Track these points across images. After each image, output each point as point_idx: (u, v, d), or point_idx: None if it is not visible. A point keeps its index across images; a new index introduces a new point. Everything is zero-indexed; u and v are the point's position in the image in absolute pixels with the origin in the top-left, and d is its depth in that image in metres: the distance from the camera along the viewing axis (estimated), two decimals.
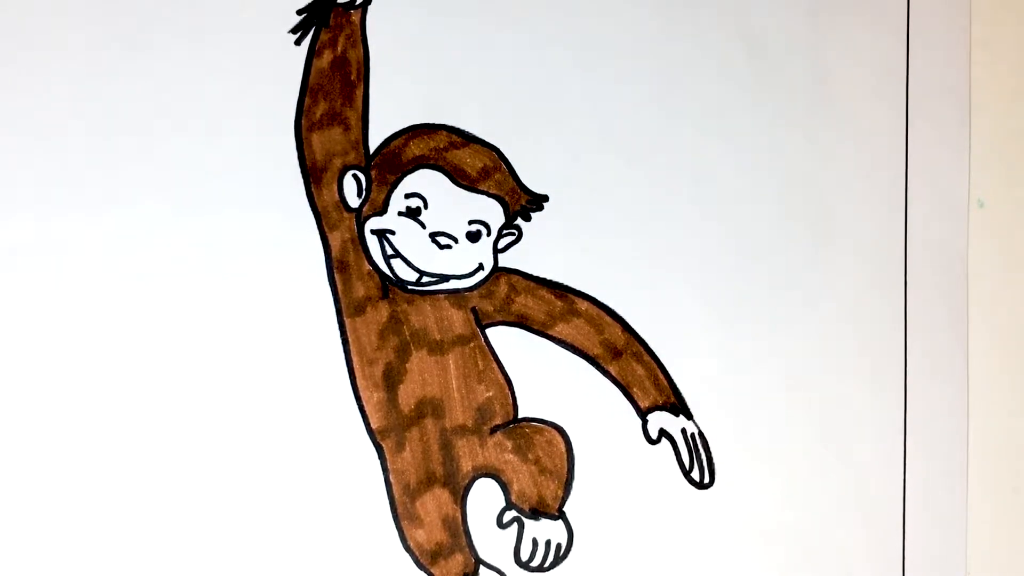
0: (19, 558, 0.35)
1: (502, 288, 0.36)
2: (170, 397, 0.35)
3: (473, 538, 0.36)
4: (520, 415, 0.36)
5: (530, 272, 0.37)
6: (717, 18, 0.38)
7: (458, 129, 0.37)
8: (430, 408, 0.36)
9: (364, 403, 0.36)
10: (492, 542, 0.36)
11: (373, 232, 0.36)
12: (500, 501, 0.36)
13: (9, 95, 0.35)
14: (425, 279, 0.36)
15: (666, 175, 0.37)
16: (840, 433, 0.37)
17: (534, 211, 0.37)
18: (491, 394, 0.36)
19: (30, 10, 0.36)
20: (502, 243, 0.36)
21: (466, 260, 0.36)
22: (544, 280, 0.37)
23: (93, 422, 0.35)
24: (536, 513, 0.36)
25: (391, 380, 0.36)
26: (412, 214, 0.36)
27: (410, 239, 0.36)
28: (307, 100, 0.36)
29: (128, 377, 0.35)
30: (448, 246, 0.36)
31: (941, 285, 0.38)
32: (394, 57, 0.37)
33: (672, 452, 0.37)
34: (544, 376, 0.36)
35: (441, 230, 0.36)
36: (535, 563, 0.36)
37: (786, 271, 0.37)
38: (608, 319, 0.37)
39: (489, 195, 0.36)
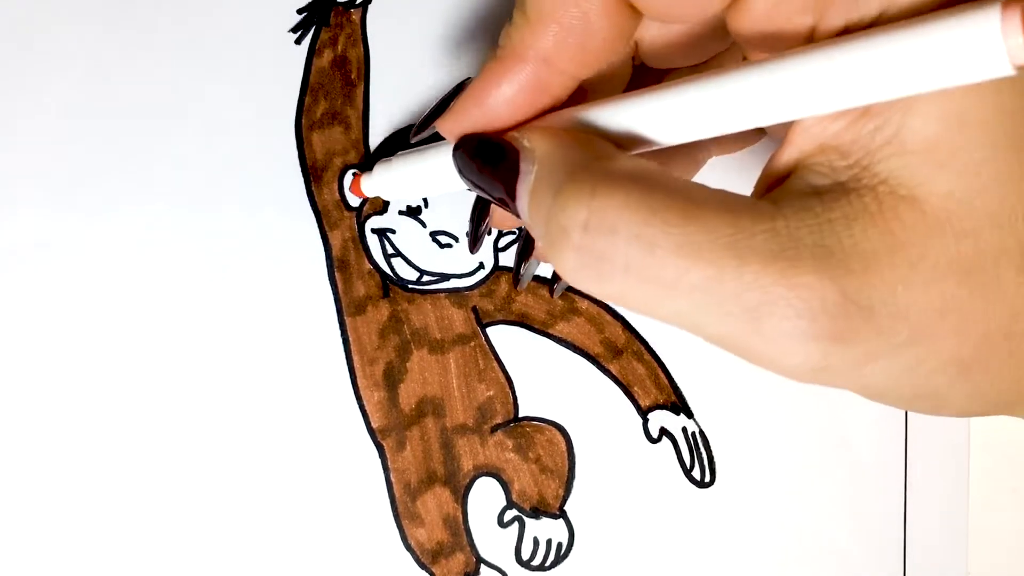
0: (19, 558, 0.34)
1: (503, 287, 0.36)
2: (170, 396, 0.35)
3: (474, 537, 0.36)
4: (521, 414, 0.36)
5: None
6: None
7: None
8: (431, 407, 0.36)
9: (364, 402, 0.36)
10: (493, 541, 0.36)
11: (374, 231, 0.36)
12: (501, 500, 0.36)
13: (9, 95, 0.35)
14: (426, 278, 0.36)
15: None
16: (840, 433, 0.37)
17: None
18: (492, 393, 0.36)
19: (30, 10, 0.36)
20: (503, 242, 0.36)
21: (467, 259, 0.36)
22: (544, 279, 0.37)
23: (90, 422, 0.35)
24: (537, 512, 0.36)
25: (392, 379, 0.36)
26: (413, 213, 0.36)
27: (411, 238, 0.36)
28: (307, 99, 0.36)
29: (127, 377, 0.35)
30: (449, 245, 0.36)
31: None
32: (394, 57, 0.37)
33: (673, 451, 0.37)
34: (545, 375, 0.36)
35: (442, 229, 0.36)
36: (536, 562, 0.36)
37: None
38: (609, 318, 0.37)
39: None
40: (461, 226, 0.36)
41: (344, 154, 0.36)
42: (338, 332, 0.36)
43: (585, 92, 0.27)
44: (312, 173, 0.36)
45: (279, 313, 0.36)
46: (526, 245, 0.34)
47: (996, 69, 0.17)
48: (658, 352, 0.37)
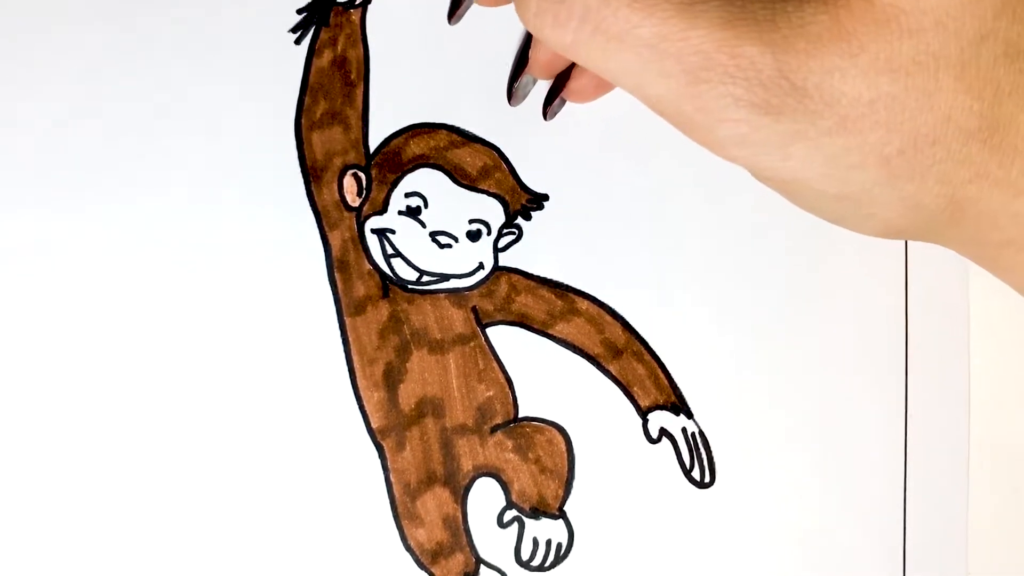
0: (18, 557, 0.34)
1: (502, 287, 0.36)
2: (170, 396, 0.35)
3: (474, 537, 0.36)
4: (521, 414, 0.36)
5: (530, 271, 0.37)
6: None
7: (458, 128, 0.37)
8: (430, 407, 0.36)
9: (364, 402, 0.36)
10: (493, 542, 0.36)
11: (373, 231, 0.36)
12: (501, 500, 0.36)
13: (9, 95, 0.35)
14: (425, 278, 0.36)
15: (667, 173, 0.37)
16: (840, 433, 0.37)
17: (535, 210, 0.37)
18: (491, 393, 0.36)
19: (30, 10, 0.36)
20: (502, 242, 0.36)
21: (466, 259, 0.36)
22: (544, 279, 0.37)
23: (90, 421, 0.35)
24: (537, 512, 0.36)
25: (391, 379, 0.36)
26: (412, 213, 0.36)
27: (410, 238, 0.36)
28: (307, 99, 0.36)
29: (127, 377, 0.35)
30: (448, 245, 0.36)
31: (942, 284, 0.38)
32: (394, 57, 0.37)
33: (673, 451, 0.37)
34: (544, 375, 0.36)
35: (441, 229, 0.36)
36: (536, 563, 0.36)
37: (787, 270, 0.37)
38: (608, 318, 0.37)
39: (489, 194, 0.36)
40: (460, 226, 0.36)
41: (344, 154, 0.36)
42: (338, 332, 0.36)
43: None
44: (312, 173, 0.36)
45: (279, 313, 0.36)
46: (521, 61, 0.35)
47: None
48: (658, 352, 0.37)
